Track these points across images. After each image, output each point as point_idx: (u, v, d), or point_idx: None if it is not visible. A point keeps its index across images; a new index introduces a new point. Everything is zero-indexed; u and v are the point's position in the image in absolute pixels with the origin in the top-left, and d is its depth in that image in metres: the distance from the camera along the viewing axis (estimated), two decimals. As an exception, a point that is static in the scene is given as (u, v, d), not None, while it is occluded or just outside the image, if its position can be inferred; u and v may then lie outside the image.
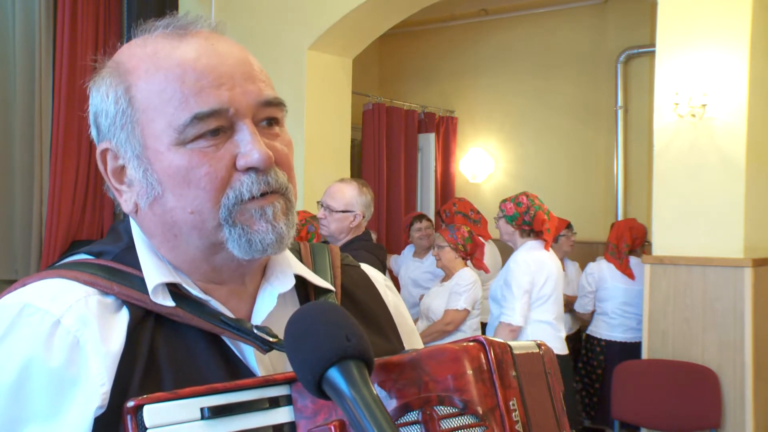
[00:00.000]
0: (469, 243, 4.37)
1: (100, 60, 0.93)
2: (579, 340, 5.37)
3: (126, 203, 0.90)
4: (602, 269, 4.88)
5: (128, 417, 0.72)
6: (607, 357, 4.80)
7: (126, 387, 0.79)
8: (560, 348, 4.02)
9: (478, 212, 5.30)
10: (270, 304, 0.92)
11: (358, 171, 6.59)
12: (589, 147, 6.74)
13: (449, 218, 5.17)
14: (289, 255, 0.98)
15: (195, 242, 0.88)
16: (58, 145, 4.87)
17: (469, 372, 0.77)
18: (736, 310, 3.88)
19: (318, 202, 3.56)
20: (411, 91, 7.56)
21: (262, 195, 0.86)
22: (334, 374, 0.69)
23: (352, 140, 5.80)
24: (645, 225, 4.96)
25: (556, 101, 6.87)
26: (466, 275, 4.36)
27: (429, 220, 5.60)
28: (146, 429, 0.72)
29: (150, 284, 0.86)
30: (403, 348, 1.03)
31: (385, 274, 3.49)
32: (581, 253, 5.91)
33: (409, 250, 5.60)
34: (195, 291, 0.89)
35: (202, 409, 0.75)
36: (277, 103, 0.89)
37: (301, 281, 0.97)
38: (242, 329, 0.86)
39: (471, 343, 0.79)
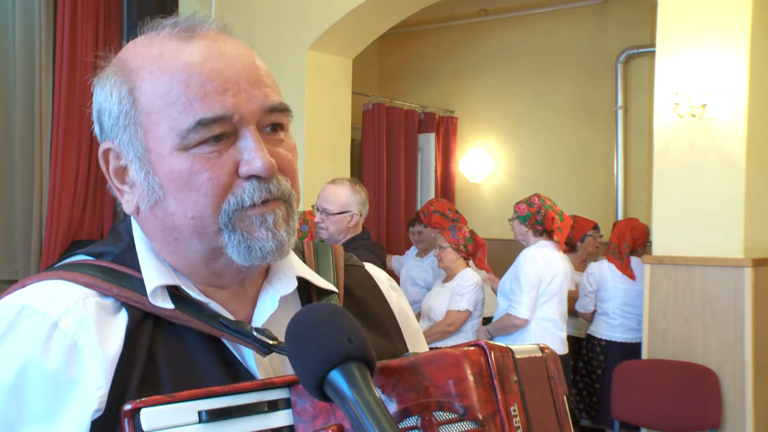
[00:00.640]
0: (470, 243, 4.38)
1: (104, 56, 0.92)
2: (581, 340, 5.37)
3: (127, 204, 0.90)
4: (603, 269, 4.88)
5: (125, 420, 0.72)
6: (608, 357, 4.80)
7: (124, 390, 0.79)
8: (560, 348, 4.08)
9: (456, 212, 5.30)
10: (271, 307, 0.91)
11: (358, 171, 6.58)
12: (589, 147, 6.74)
13: (427, 218, 5.13)
14: (292, 256, 0.97)
15: (195, 247, 0.87)
16: (58, 145, 4.86)
17: (470, 377, 0.76)
18: (736, 310, 3.88)
19: (313, 206, 3.56)
20: (411, 91, 7.55)
21: (264, 202, 0.85)
22: (335, 376, 0.69)
23: (352, 140, 5.80)
24: (647, 225, 4.95)
25: (556, 101, 6.86)
26: (468, 276, 4.35)
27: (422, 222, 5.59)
28: (143, 432, 0.72)
29: (149, 286, 0.85)
30: (407, 349, 1.02)
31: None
32: (593, 256, 5.89)
33: (413, 251, 5.61)
34: (195, 293, 0.88)
35: (200, 413, 0.74)
36: (282, 109, 0.89)
37: (303, 282, 0.96)
38: (242, 331, 0.85)
39: (471, 348, 0.78)
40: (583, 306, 5.01)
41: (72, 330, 0.81)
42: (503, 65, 7.17)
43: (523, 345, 0.87)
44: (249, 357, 0.87)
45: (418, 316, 4.53)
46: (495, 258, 5.60)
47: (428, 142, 7.11)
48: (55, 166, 4.87)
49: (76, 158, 4.95)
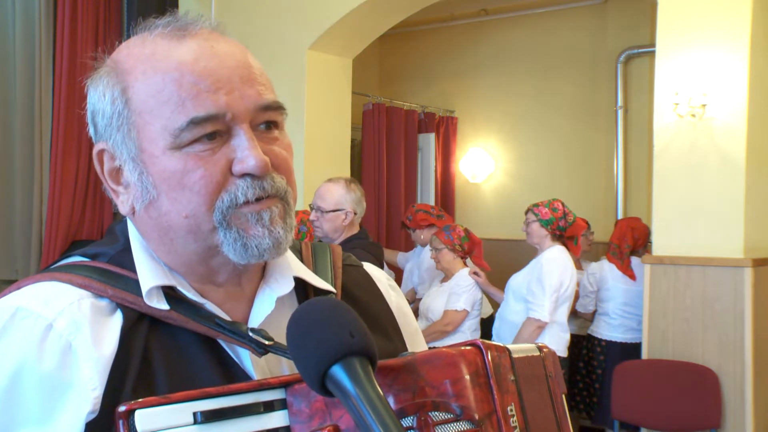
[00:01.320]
0: (466, 242, 4.37)
1: (98, 57, 0.91)
2: (581, 340, 5.36)
3: (122, 204, 0.90)
4: (603, 269, 4.88)
5: (120, 421, 0.72)
6: (608, 357, 4.80)
7: (119, 391, 0.79)
8: (563, 350, 4.11)
9: (440, 209, 5.31)
10: (268, 307, 0.91)
11: (358, 171, 6.58)
12: (589, 147, 6.73)
13: (413, 221, 5.13)
14: (289, 256, 0.97)
15: (191, 246, 0.87)
16: (58, 145, 4.86)
17: (466, 377, 0.75)
18: (736, 310, 3.88)
19: (309, 205, 3.56)
20: (411, 91, 7.55)
21: (258, 199, 0.85)
22: (337, 371, 0.68)
23: (352, 140, 5.80)
24: (647, 224, 4.95)
25: (556, 101, 6.86)
26: (466, 276, 4.35)
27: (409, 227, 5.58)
28: (137, 433, 0.71)
29: (144, 287, 0.85)
30: (406, 348, 1.02)
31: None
32: (587, 254, 5.89)
33: (419, 249, 5.61)
34: (190, 294, 0.88)
35: (194, 414, 0.74)
36: (276, 107, 0.88)
37: (301, 283, 0.96)
38: (237, 332, 0.85)
39: (468, 347, 0.78)
40: (584, 306, 5.01)
41: (67, 331, 0.81)
42: (503, 65, 7.16)
43: (520, 344, 0.86)
44: (245, 358, 0.87)
45: (416, 312, 4.53)
46: (494, 258, 5.60)
47: (428, 142, 7.11)
48: (55, 166, 4.87)
49: (76, 158, 4.95)
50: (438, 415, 0.74)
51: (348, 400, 0.67)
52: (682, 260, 4.02)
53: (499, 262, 5.61)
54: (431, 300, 4.44)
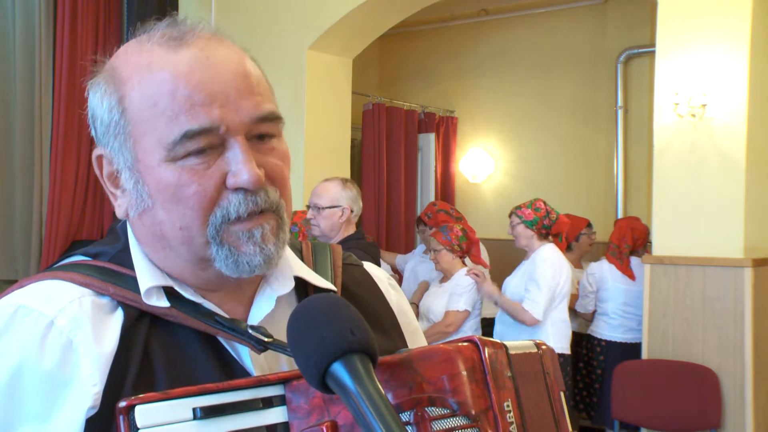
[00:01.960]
0: (464, 241, 4.38)
1: (99, 59, 0.92)
2: (581, 339, 5.36)
3: (119, 208, 0.90)
4: (603, 269, 4.88)
5: (120, 417, 0.72)
6: (608, 357, 4.80)
7: (119, 387, 0.79)
8: (566, 347, 4.14)
9: (457, 210, 5.35)
10: (268, 306, 0.92)
11: (358, 171, 6.58)
12: (589, 147, 6.74)
13: (432, 219, 5.15)
14: (289, 255, 0.97)
15: (184, 255, 0.87)
16: (58, 145, 4.87)
17: (463, 373, 0.76)
18: (736, 310, 3.88)
19: (306, 205, 3.57)
20: (411, 91, 7.55)
21: (250, 215, 0.85)
22: (338, 369, 0.68)
23: (352, 140, 5.80)
24: (647, 224, 4.95)
25: (556, 101, 6.86)
26: (466, 275, 4.35)
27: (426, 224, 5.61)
28: (138, 429, 0.72)
29: (142, 287, 0.86)
30: (406, 347, 1.02)
31: None
32: (589, 254, 5.89)
33: (420, 248, 5.63)
34: (189, 294, 0.88)
35: (194, 410, 0.74)
36: (273, 119, 0.88)
37: (301, 282, 0.96)
38: (237, 329, 0.85)
39: (465, 344, 0.78)
40: (584, 306, 5.01)
41: (67, 328, 0.81)
42: (503, 65, 7.17)
43: (517, 341, 0.86)
44: (245, 355, 0.87)
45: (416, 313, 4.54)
46: (494, 258, 5.61)
47: (428, 142, 7.11)
48: (55, 166, 4.87)
49: (76, 158, 4.95)
50: (435, 411, 0.75)
51: (348, 397, 0.68)
52: (682, 260, 4.02)
53: (499, 262, 5.61)
54: (431, 301, 4.43)
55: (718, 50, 3.96)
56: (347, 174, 5.40)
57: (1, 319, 0.82)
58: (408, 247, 6.48)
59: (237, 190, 0.84)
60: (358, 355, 0.69)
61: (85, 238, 5.04)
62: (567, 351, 4.19)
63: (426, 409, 0.75)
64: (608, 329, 4.84)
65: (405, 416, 0.74)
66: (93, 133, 0.92)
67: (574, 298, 5.06)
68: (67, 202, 4.94)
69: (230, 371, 0.85)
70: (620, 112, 6.50)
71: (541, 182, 6.82)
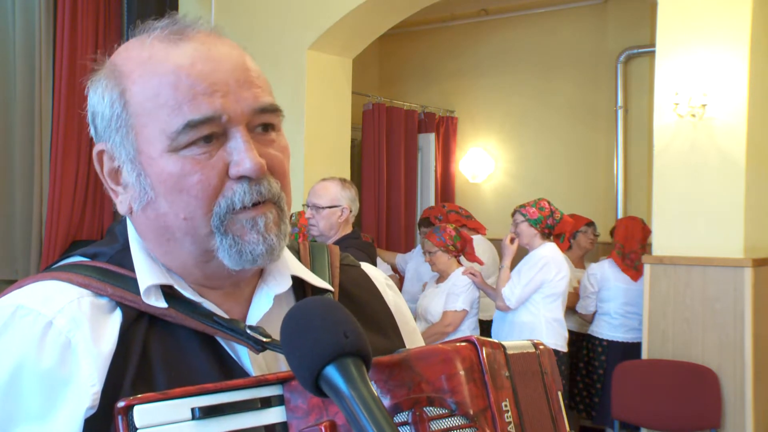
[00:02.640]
0: (458, 241, 4.39)
1: (98, 59, 0.92)
2: (582, 339, 5.36)
3: (121, 204, 0.91)
4: (605, 269, 4.87)
5: (119, 417, 0.72)
6: (609, 357, 4.80)
7: (118, 387, 0.79)
8: (562, 345, 4.16)
9: (466, 210, 5.37)
10: (266, 306, 0.92)
11: (358, 171, 6.58)
12: (589, 147, 6.73)
13: (444, 221, 5.17)
14: (287, 255, 0.97)
15: (188, 248, 0.87)
16: (58, 145, 4.87)
17: (461, 372, 0.76)
18: (736, 310, 3.88)
19: (303, 205, 3.57)
20: (411, 91, 7.55)
21: (254, 205, 0.86)
22: (331, 372, 0.69)
23: (352, 140, 5.80)
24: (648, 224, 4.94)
25: (556, 101, 6.86)
26: (462, 275, 4.36)
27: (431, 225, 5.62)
28: (137, 429, 0.72)
29: (142, 285, 0.86)
30: (404, 347, 1.02)
31: None
32: (590, 254, 5.89)
33: (420, 248, 5.63)
34: (188, 293, 0.88)
35: (193, 410, 0.74)
36: (272, 110, 0.89)
37: (299, 282, 0.97)
38: (235, 329, 0.86)
39: (463, 344, 0.78)
40: (585, 307, 5.01)
41: (66, 329, 0.81)
42: (503, 65, 7.16)
43: (515, 341, 0.87)
44: (243, 355, 0.88)
45: (414, 314, 4.54)
46: (495, 258, 5.60)
47: (428, 142, 7.11)
48: (55, 166, 4.87)
49: (76, 158, 4.96)
50: (433, 411, 0.75)
51: (342, 400, 0.68)
52: (682, 260, 4.02)
53: (495, 261, 5.61)
54: (428, 301, 4.43)
55: (718, 50, 3.96)
56: (347, 174, 5.40)
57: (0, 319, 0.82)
58: (408, 247, 6.48)
59: (240, 179, 0.85)
60: (352, 358, 0.70)
61: (85, 238, 5.04)
62: (563, 349, 4.19)
63: (424, 408, 0.75)
64: (610, 329, 4.84)
65: (403, 416, 0.75)
66: (92, 131, 0.92)
67: (573, 297, 5.06)
68: (67, 202, 4.94)
69: (229, 371, 0.86)
70: (620, 112, 6.50)
71: (541, 182, 6.82)
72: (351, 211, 3.46)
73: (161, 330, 0.86)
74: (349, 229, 3.49)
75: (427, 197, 7.03)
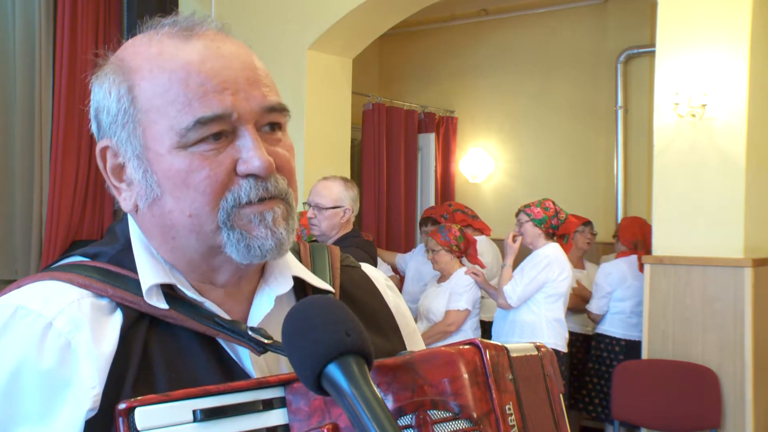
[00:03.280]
0: (462, 241, 4.39)
1: (102, 54, 0.92)
2: (586, 339, 5.34)
3: (125, 202, 0.90)
4: (622, 269, 4.81)
5: (120, 419, 0.72)
6: (627, 357, 4.73)
7: (118, 389, 0.79)
8: (562, 346, 4.17)
9: (472, 209, 5.37)
10: (267, 306, 0.91)
11: (358, 171, 6.58)
12: (589, 147, 6.73)
13: (449, 219, 5.18)
14: (288, 256, 0.97)
15: (193, 245, 0.87)
16: (58, 145, 4.87)
17: (464, 375, 0.76)
18: (736, 310, 3.88)
19: (305, 203, 3.56)
20: (411, 91, 7.55)
21: (261, 200, 0.86)
22: (333, 370, 0.68)
23: (352, 140, 5.80)
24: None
25: (556, 101, 6.86)
26: (465, 275, 4.36)
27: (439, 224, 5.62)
28: (138, 431, 0.72)
29: (144, 285, 0.86)
30: (405, 347, 1.02)
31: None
32: (587, 254, 5.89)
33: (421, 248, 5.63)
34: (190, 293, 0.88)
35: (194, 412, 0.74)
36: (280, 109, 0.89)
37: (300, 282, 0.96)
38: (237, 331, 0.85)
39: (466, 346, 0.78)
40: (600, 308, 4.91)
41: (66, 330, 0.81)
42: (503, 65, 7.16)
43: (518, 344, 0.86)
44: (244, 356, 0.87)
45: (415, 313, 4.54)
46: (495, 258, 5.60)
47: (428, 142, 7.11)
48: (55, 166, 4.87)
49: (76, 158, 4.95)
50: (436, 414, 0.75)
51: (343, 399, 0.67)
52: (682, 260, 4.02)
53: (499, 261, 5.61)
54: (430, 301, 4.43)
55: (718, 50, 3.96)
56: (347, 174, 5.40)
57: None
58: (408, 247, 6.48)
59: (248, 176, 0.85)
60: (353, 356, 0.69)
61: (85, 238, 5.04)
62: (563, 349, 4.19)
63: (428, 412, 0.74)
64: (627, 328, 4.80)
65: (407, 419, 0.74)
66: (94, 127, 0.92)
67: (573, 298, 5.05)
68: (67, 202, 4.94)
69: (230, 373, 0.85)
70: (620, 112, 6.50)
71: (541, 182, 6.82)
72: (353, 212, 3.46)
73: (162, 331, 0.85)
74: (349, 228, 3.48)
75: (427, 197, 7.03)
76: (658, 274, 4.10)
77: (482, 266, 4.64)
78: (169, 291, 0.87)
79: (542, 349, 0.91)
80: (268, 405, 0.78)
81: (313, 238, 3.50)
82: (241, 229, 0.85)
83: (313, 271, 1.00)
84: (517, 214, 4.34)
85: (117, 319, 0.84)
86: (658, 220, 4.15)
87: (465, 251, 4.44)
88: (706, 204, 3.97)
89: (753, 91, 3.93)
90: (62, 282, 0.86)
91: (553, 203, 4.30)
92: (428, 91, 7.52)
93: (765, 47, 4.09)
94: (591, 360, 5.04)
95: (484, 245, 5.18)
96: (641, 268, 4.71)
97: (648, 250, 4.75)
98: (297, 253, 1.03)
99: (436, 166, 7.13)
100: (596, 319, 5.02)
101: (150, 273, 0.87)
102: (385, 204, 6.54)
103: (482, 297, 4.52)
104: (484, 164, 7.27)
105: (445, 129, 7.32)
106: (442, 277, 4.46)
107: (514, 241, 4.28)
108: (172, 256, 0.89)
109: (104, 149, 0.90)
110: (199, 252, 0.87)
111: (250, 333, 0.85)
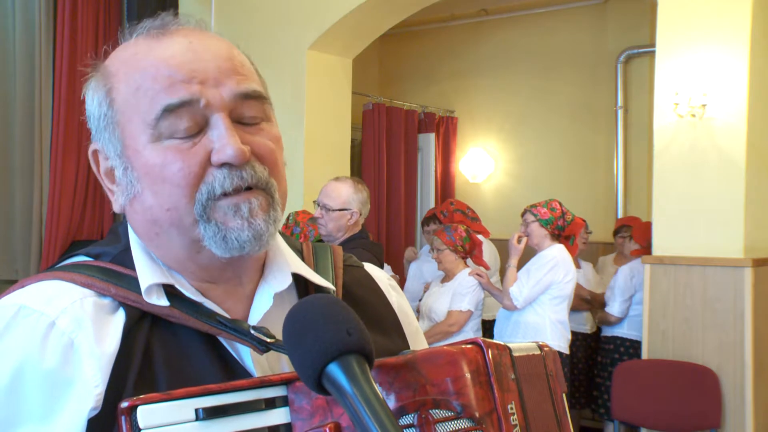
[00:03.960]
0: (467, 242, 4.38)
1: (92, 64, 0.94)
2: (596, 339, 5.32)
3: (115, 203, 0.91)
4: (642, 271, 4.76)
5: (122, 418, 0.72)
6: None
7: (121, 388, 0.79)
8: (565, 347, 4.16)
9: (473, 211, 5.36)
10: (266, 304, 0.91)
11: (358, 171, 6.58)
12: (589, 147, 6.73)
13: (448, 218, 5.17)
14: (288, 254, 0.97)
15: (176, 240, 0.87)
16: (58, 145, 4.87)
17: (467, 375, 0.75)
18: (736, 310, 3.88)
19: (314, 202, 3.56)
20: (411, 91, 7.55)
21: (237, 190, 0.85)
22: (334, 370, 0.68)
23: (352, 140, 5.80)
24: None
25: (556, 101, 6.86)
26: (469, 276, 4.35)
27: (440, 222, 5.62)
28: (140, 430, 0.72)
29: (143, 284, 0.86)
30: (408, 347, 1.02)
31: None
32: (583, 253, 5.89)
33: (426, 248, 5.64)
34: (189, 292, 0.88)
35: (196, 410, 0.74)
36: (256, 96, 0.88)
37: (302, 281, 0.96)
38: (239, 330, 0.85)
39: (469, 346, 0.78)
40: (623, 311, 4.83)
41: (69, 329, 0.81)
42: (503, 65, 7.16)
43: (521, 343, 0.86)
44: (246, 355, 0.87)
45: (417, 313, 4.54)
46: (494, 254, 5.60)
47: (428, 142, 7.11)
48: (55, 166, 4.87)
49: (76, 158, 4.95)
50: (439, 413, 0.74)
51: (344, 398, 0.67)
52: (682, 260, 4.02)
53: (497, 262, 5.61)
54: (433, 301, 4.43)
55: (718, 50, 3.96)
56: (347, 174, 5.40)
57: (2, 319, 0.82)
58: (408, 247, 6.48)
59: (222, 166, 0.84)
60: (355, 355, 0.69)
61: (85, 238, 5.04)
62: (565, 351, 4.19)
63: (430, 411, 0.74)
64: None
65: (409, 418, 0.74)
66: (92, 134, 0.94)
67: (598, 297, 5.06)
68: (67, 202, 4.94)
69: (231, 372, 0.85)
70: (620, 112, 6.50)
71: (541, 182, 6.82)
72: (361, 214, 3.45)
73: (164, 330, 0.85)
74: (357, 229, 3.48)
75: (427, 197, 7.03)
76: (658, 274, 4.10)
77: (487, 268, 4.64)
78: (170, 290, 0.87)
79: (545, 349, 0.91)
80: (270, 404, 0.78)
81: (320, 238, 3.50)
82: (218, 221, 0.85)
83: (316, 270, 1.00)
84: (523, 214, 4.33)
85: (119, 318, 0.84)
86: (658, 220, 4.15)
87: (470, 253, 4.43)
88: (706, 204, 3.97)
89: (753, 91, 3.93)
90: (65, 281, 0.86)
91: (560, 204, 4.28)
92: (428, 91, 7.52)
93: (765, 47, 4.09)
94: (607, 362, 4.97)
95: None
96: None
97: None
98: (299, 253, 1.02)
99: (436, 166, 7.14)
100: (615, 322, 4.93)
101: (148, 273, 0.87)
102: (385, 204, 6.54)
103: (483, 296, 4.51)
104: (484, 164, 7.27)
105: (445, 129, 7.32)
106: (446, 277, 4.46)
107: (519, 242, 4.27)
108: (161, 254, 0.89)
109: (95, 153, 0.92)
110: (183, 247, 0.87)
111: (252, 332, 0.85)
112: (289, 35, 5.15)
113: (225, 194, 0.85)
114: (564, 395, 0.92)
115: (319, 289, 0.97)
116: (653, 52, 4.41)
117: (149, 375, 0.81)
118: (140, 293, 0.85)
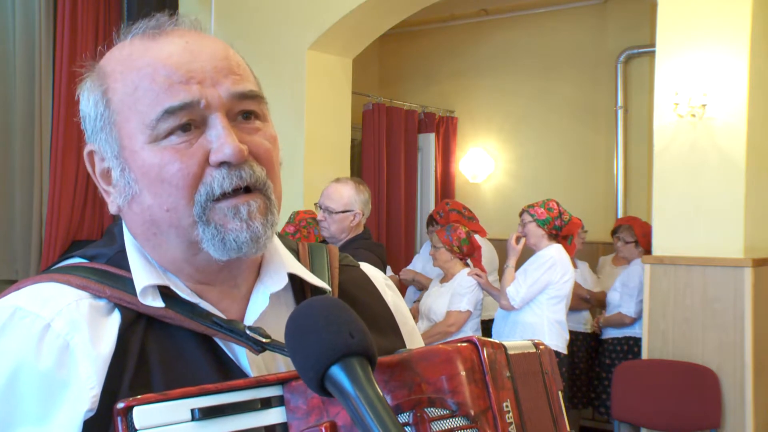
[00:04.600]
0: (465, 245, 4.36)
1: (87, 66, 0.93)
2: (597, 339, 5.32)
3: (112, 204, 0.91)
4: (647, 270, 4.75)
5: (118, 418, 0.72)
6: None
7: (116, 389, 0.79)
8: (563, 348, 4.16)
9: (470, 210, 5.34)
10: (262, 304, 0.91)
11: (358, 171, 6.58)
12: (589, 147, 6.73)
13: (444, 218, 5.16)
14: (284, 254, 0.97)
15: (174, 241, 0.87)
16: (58, 145, 4.87)
17: (462, 373, 0.75)
18: (736, 310, 3.88)
19: (316, 204, 3.56)
20: (411, 91, 7.55)
21: (236, 191, 0.85)
22: (336, 372, 0.68)
23: (352, 140, 5.80)
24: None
25: (556, 101, 6.85)
26: (468, 276, 4.35)
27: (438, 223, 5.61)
28: (136, 430, 0.72)
29: (138, 286, 0.86)
30: (404, 346, 1.02)
31: (385, 271, 3.51)
32: (580, 253, 5.89)
33: (426, 247, 5.63)
34: (184, 294, 0.88)
35: (192, 410, 0.74)
36: (253, 96, 0.88)
37: (298, 281, 0.96)
38: (235, 330, 0.85)
39: (464, 344, 0.78)
40: (638, 312, 4.75)
41: (64, 331, 0.81)
42: (503, 65, 7.16)
43: (516, 341, 0.86)
44: (241, 355, 0.87)
45: (416, 313, 4.54)
46: (491, 255, 5.59)
47: (428, 142, 7.11)
48: (55, 166, 4.87)
49: (76, 158, 4.95)
50: (434, 411, 0.74)
51: (347, 401, 0.67)
52: (682, 260, 4.02)
53: (493, 261, 5.60)
54: (432, 301, 4.43)
55: (718, 50, 3.96)
56: (347, 174, 5.40)
57: None
58: (407, 247, 6.49)
59: (220, 165, 0.84)
60: (357, 358, 0.69)
61: (85, 238, 5.04)
62: (563, 351, 4.19)
63: (425, 409, 0.74)
64: None
65: (404, 417, 0.74)
66: (85, 134, 0.93)
67: (598, 296, 5.05)
68: (67, 202, 4.94)
69: (227, 372, 0.85)
70: (620, 112, 6.50)
71: (541, 182, 6.82)
72: (363, 215, 3.46)
73: (159, 331, 0.85)
74: (360, 230, 3.48)
75: (427, 197, 7.03)
76: (658, 274, 4.10)
77: (484, 271, 4.63)
78: (166, 291, 0.87)
79: (540, 347, 0.91)
80: (266, 403, 0.78)
81: (323, 240, 3.50)
82: (216, 224, 0.85)
83: (312, 270, 0.99)
84: (520, 214, 4.33)
85: (115, 319, 0.84)
86: (658, 220, 4.15)
87: (468, 255, 4.43)
88: (706, 204, 3.97)
89: (753, 91, 3.93)
90: (60, 283, 0.86)
91: (557, 204, 4.28)
92: (428, 91, 7.52)
93: (765, 47, 4.09)
94: (613, 363, 4.95)
95: None
96: None
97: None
98: (295, 253, 1.02)
99: (436, 166, 7.13)
100: (631, 323, 4.90)
101: (143, 274, 0.87)
102: (385, 204, 6.54)
103: (482, 296, 4.51)
104: (484, 164, 7.27)
105: (445, 129, 7.32)
106: (445, 278, 4.45)
107: (517, 242, 4.27)
108: (157, 255, 0.89)
109: (90, 154, 0.92)
110: (181, 249, 0.87)
111: (248, 332, 0.85)
112: (289, 35, 5.15)
113: (224, 196, 0.85)
114: (560, 393, 0.92)
115: (315, 289, 0.97)
116: (653, 52, 4.40)
117: (145, 376, 0.81)
118: (135, 295, 0.85)
